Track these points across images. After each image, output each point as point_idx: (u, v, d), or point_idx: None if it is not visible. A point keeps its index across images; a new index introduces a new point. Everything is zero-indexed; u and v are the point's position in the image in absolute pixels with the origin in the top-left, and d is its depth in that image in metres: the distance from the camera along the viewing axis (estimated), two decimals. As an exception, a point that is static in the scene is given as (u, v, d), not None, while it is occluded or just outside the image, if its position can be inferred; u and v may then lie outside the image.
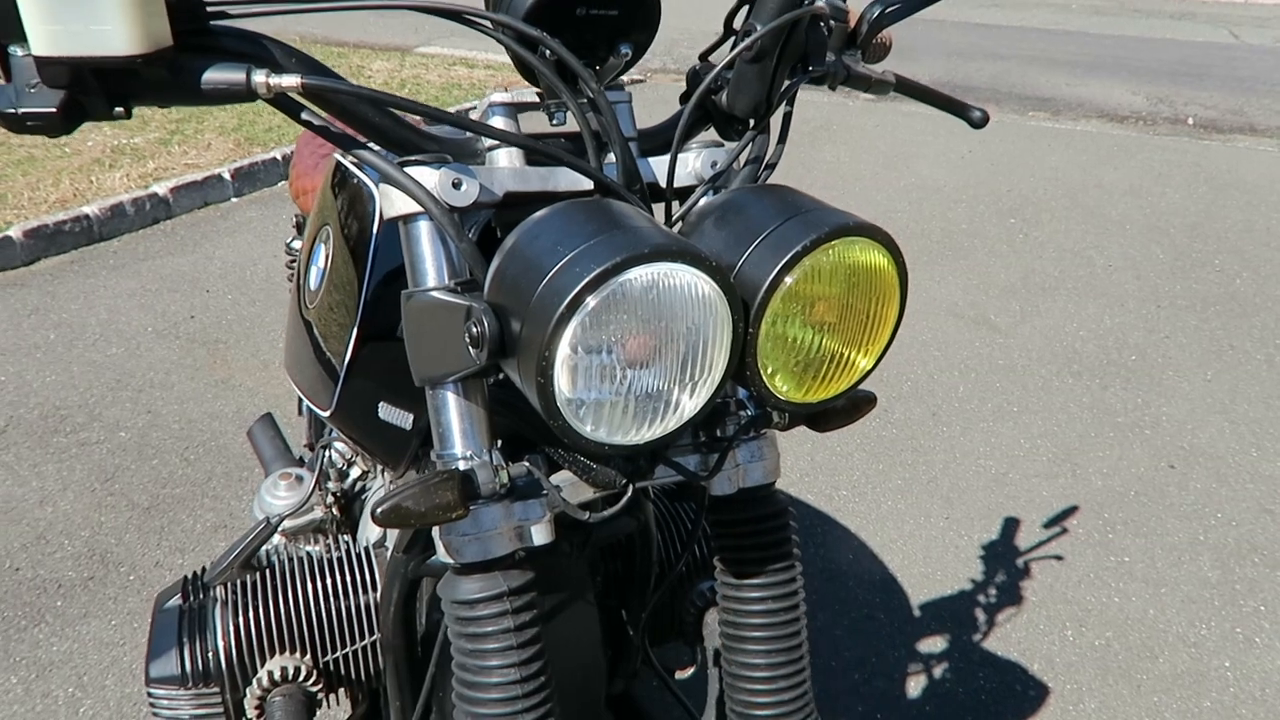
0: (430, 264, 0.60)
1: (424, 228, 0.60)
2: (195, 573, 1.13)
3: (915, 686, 1.83)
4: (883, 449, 2.58)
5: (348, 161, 0.94)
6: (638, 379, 0.53)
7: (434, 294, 0.59)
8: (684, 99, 0.74)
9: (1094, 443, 2.64)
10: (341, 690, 1.13)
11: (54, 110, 0.50)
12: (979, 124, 0.91)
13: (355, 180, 0.90)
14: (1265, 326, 3.35)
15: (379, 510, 0.55)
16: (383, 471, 1.21)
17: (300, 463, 1.53)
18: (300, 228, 1.63)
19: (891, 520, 2.29)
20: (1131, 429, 2.71)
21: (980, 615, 2.02)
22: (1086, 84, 7.21)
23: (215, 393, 2.72)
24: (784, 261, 0.53)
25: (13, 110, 0.49)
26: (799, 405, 0.61)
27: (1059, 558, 2.18)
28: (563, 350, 0.49)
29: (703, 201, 0.65)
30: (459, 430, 0.61)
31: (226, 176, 4.14)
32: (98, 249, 3.63)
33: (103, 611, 1.95)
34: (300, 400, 1.71)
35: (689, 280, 0.51)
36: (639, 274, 0.49)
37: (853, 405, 0.73)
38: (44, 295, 3.23)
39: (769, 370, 0.58)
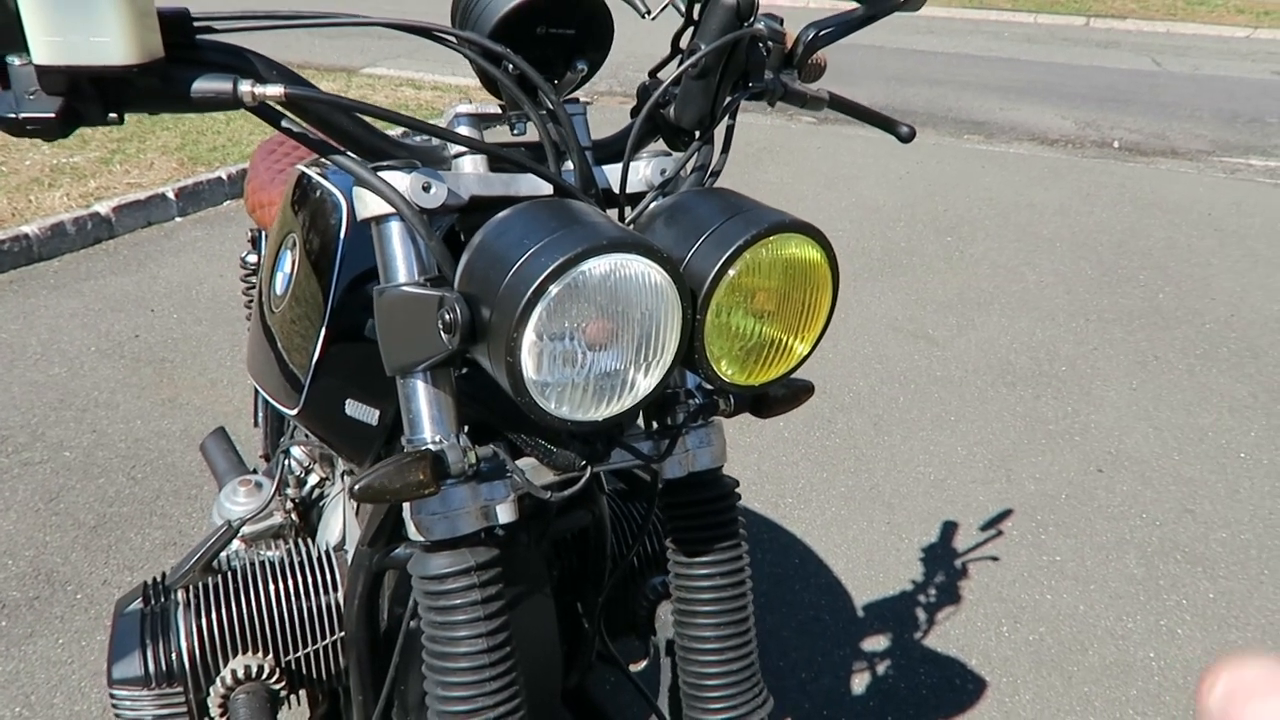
0: (401, 261, 0.65)
1: (395, 228, 0.65)
2: (155, 578, 1.15)
3: (860, 684, 1.89)
4: (827, 458, 2.65)
5: (312, 172, 0.98)
6: (597, 360, 0.58)
7: (405, 288, 0.64)
8: (634, 112, 0.79)
9: (1027, 449, 2.75)
10: (302, 691, 1.16)
11: (53, 115, 0.53)
12: (906, 139, 0.98)
13: (318, 190, 0.94)
14: (1186, 338, 3.51)
15: (357, 487, 0.59)
16: (343, 476, 1.24)
17: (254, 473, 1.54)
18: (255, 242, 1.66)
19: (836, 526, 2.36)
20: (1062, 436, 2.83)
21: (921, 614, 2.10)
22: (1019, 108, 7.47)
23: (162, 411, 2.71)
24: (727, 255, 0.59)
25: (13, 115, 0.53)
26: (743, 387, 0.66)
27: (995, 558, 2.27)
28: (528, 335, 0.54)
29: (654, 204, 0.70)
30: (428, 416, 0.66)
31: (170, 196, 4.11)
32: (37, 269, 3.57)
33: (49, 630, 1.93)
34: (256, 412, 1.73)
35: (642, 270, 0.56)
36: (597, 264, 0.54)
37: (792, 394, 0.79)
38: (-18, 315, 3.18)
39: (716, 356, 0.64)
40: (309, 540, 1.28)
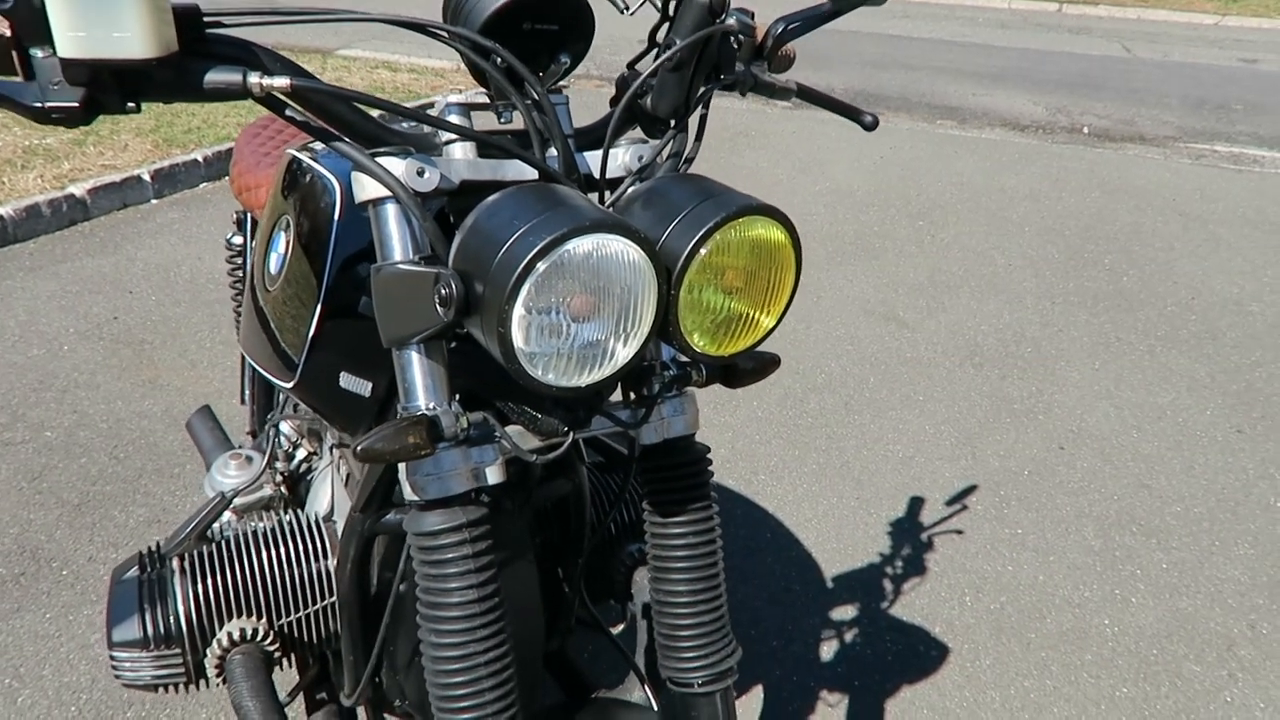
0: (397, 241, 0.70)
1: (391, 210, 0.70)
2: (150, 548, 1.19)
3: (829, 651, 1.97)
4: (799, 436, 2.73)
5: (303, 157, 1.02)
6: (580, 332, 0.64)
7: (402, 266, 0.69)
8: (614, 102, 0.85)
9: (992, 428, 2.83)
10: (294, 655, 1.21)
11: (76, 105, 0.58)
12: (870, 127, 1.03)
13: (311, 175, 0.98)
14: (1149, 320, 3.61)
15: (359, 448, 0.64)
16: (331, 449, 1.28)
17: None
18: (240, 224, 1.69)
19: (807, 501, 2.43)
20: (1026, 415, 2.92)
21: (888, 585, 2.18)
22: (991, 94, 7.56)
23: (143, 392, 2.73)
24: (699, 235, 0.65)
25: (39, 105, 0.58)
26: (713, 358, 0.72)
27: (959, 532, 2.35)
28: (518, 308, 0.59)
29: (632, 188, 0.76)
30: (422, 385, 0.71)
31: (146, 178, 4.10)
32: (12, 250, 3.57)
33: (36, 605, 1.96)
34: (243, 390, 1.77)
35: (621, 249, 0.62)
36: (580, 243, 0.59)
37: (760, 365, 0.84)
38: (-42, 296, 3.18)
39: (689, 329, 0.69)
40: (298, 511, 1.33)
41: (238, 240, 1.70)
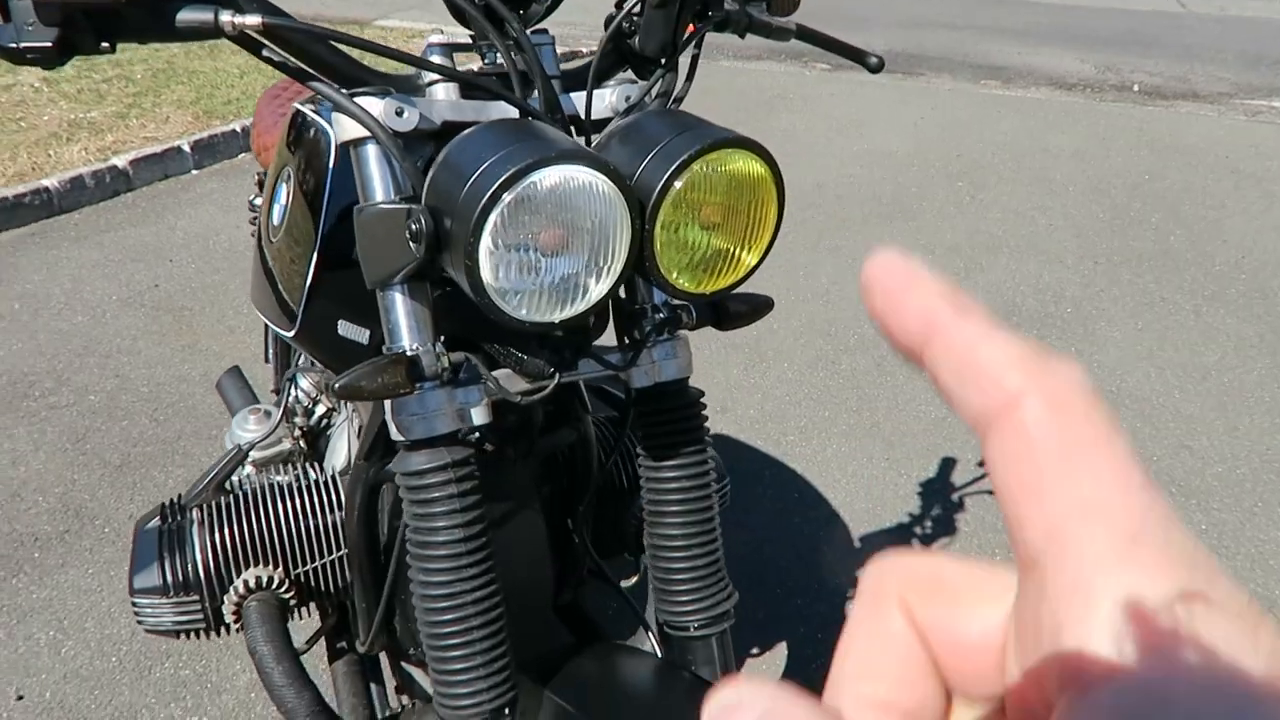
0: (378, 182, 0.70)
1: (372, 151, 0.70)
2: (172, 500, 1.22)
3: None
4: (829, 397, 2.70)
5: (307, 109, 1.03)
6: (552, 266, 0.63)
7: (381, 205, 0.69)
8: (602, 43, 0.84)
9: (1028, 389, 2.78)
10: (312, 604, 1.23)
11: (50, 45, 0.59)
12: (875, 69, 1.01)
13: (311, 124, 0.99)
14: (1195, 280, 3.51)
15: (337, 385, 0.65)
16: (347, 405, 1.30)
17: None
18: (262, 184, 1.71)
19: (836, 462, 2.42)
20: (1064, 376, 2.86)
21: (916, 545, 2.16)
22: (1037, 52, 7.36)
23: (182, 357, 2.79)
24: (673, 168, 0.64)
25: (14, 45, 0.58)
26: (695, 295, 0.71)
27: (990, 493, 2.31)
28: (485, 242, 0.59)
29: (612, 124, 0.75)
30: (405, 325, 0.71)
31: (186, 149, 4.16)
32: (58, 221, 3.65)
33: (79, 561, 2.03)
34: (266, 348, 1.79)
35: (589, 180, 0.61)
36: (547, 174, 0.59)
37: (752, 308, 0.83)
38: (6, 267, 3.26)
39: (668, 267, 0.69)
40: (316, 465, 1.35)
41: (259, 201, 1.72)
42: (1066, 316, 3.22)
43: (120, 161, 3.91)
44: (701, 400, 0.86)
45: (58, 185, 3.67)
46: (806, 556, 2.09)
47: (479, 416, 0.73)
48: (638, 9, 0.78)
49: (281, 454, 1.37)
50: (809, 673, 1.83)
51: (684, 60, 0.83)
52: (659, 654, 1.12)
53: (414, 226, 0.62)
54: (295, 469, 1.38)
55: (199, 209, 3.81)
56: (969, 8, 9.23)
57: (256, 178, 1.72)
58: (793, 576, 2.03)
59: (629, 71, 0.85)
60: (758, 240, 0.71)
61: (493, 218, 0.58)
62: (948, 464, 2.42)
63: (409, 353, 0.70)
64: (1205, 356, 2.98)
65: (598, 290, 0.66)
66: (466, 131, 0.65)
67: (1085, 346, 3.02)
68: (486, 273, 0.60)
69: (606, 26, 0.81)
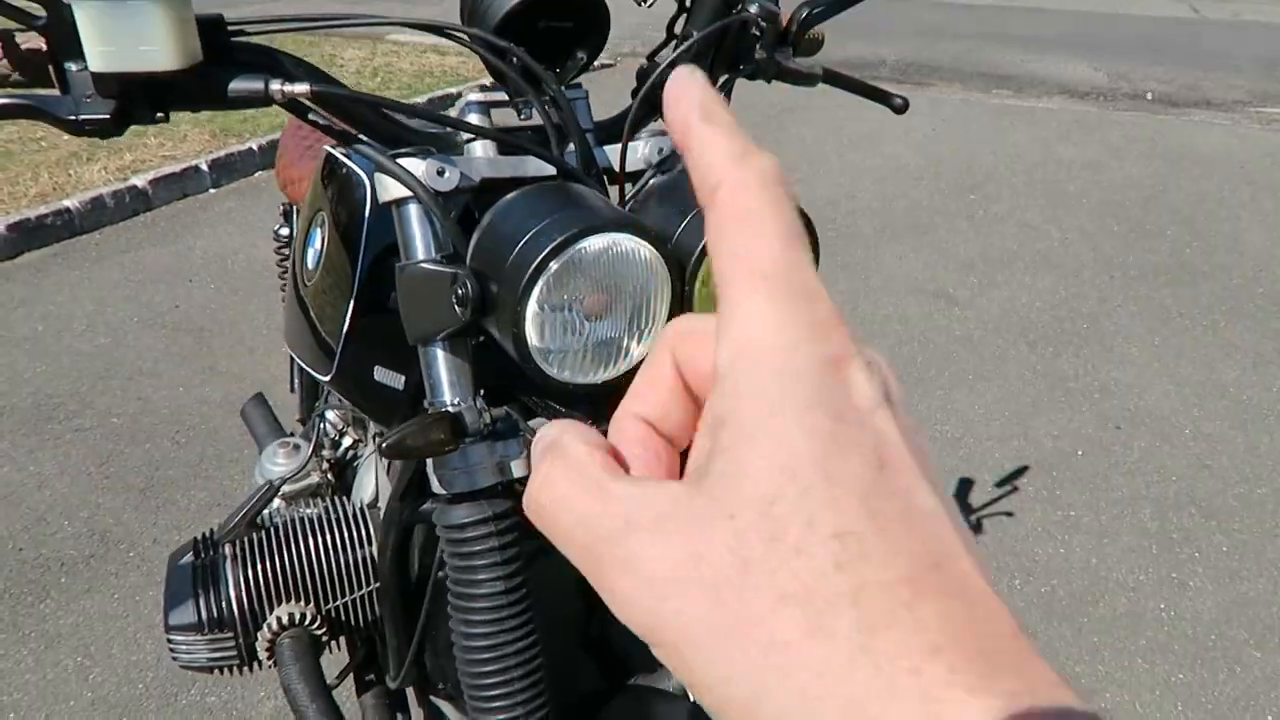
0: (419, 240, 0.71)
1: (414, 210, 0.71)
2: (204, 534, 1.24)
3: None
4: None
5: (338, 153, 1.04)
6: (595, 329, 0.64)
7: (423, 265, 0.70)
8: (634, 94, 0.85)
9: (1045, 407, 2.78)
10: (342, 639, 1.24)
11: (108, 117, 0.60)
12: (900, 110, 1.02)
13: (345, 170, 1.00)
14: (1212, 294, 3.50)
15: (385, 444, 0.66)
16: (374, 438, 1.31)
17: (292, 436, 1.63)
18: (287, 215, 1.73)
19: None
20: (1081, 393, 2.86)
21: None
22: (1048, 61, 7.36)
23: (203, 379, 2.81)
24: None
25: (74, 117, 0.60)
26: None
27: (1009, 514, 2.32)
28: (531, 307, 0.60)
29: (651, 182, 0.76)
30: (447, 381, 0.72)
31: (204, 168, 4.20)
32: (79, 242, 3.69)
33: (105, 587, 2.04)
34: (292, 378, 1.81)
35: (633, 247, 0.62)
36: (593, 242, 0.60)
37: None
38: (29, 288, 3.30)
39: (704, 321, 0.69)
40: (344, 498, 1.36)
41: (285, 232, 1.73)
42: (1083, 333, 3.21)
43: (140, 181, 3.95)
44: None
45: (78, 205, 3.71)
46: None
47: (519, 469, 0.74)
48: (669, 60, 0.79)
49: (310, 487, 1.38)
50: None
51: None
52: (689, 694, 1.13)
53: (460, 291, 0.64)
54: (324, 502, 1.39)
55: (217, 229, 3.84)
56: (978, 16, 9.24)
57: (281, 208, 1.73)
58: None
59: (659, 122, 0.86)
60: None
61: (540, 284, 0.59)
62: (965, 484, 2.42)
63: (450, 408, 0.71)
64: (1224, 373, 2.97)
65: (639, 351, 0.67)
66: (510, 196, 0.66)
67: (1103, 364, 3.02)
68: (532, 336, 0.61)
69: (639, 79, 0.83)
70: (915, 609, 0.20)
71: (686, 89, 0.26)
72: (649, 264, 0.63)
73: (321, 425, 1.38)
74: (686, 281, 0.66)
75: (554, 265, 0.59)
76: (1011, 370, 2.97)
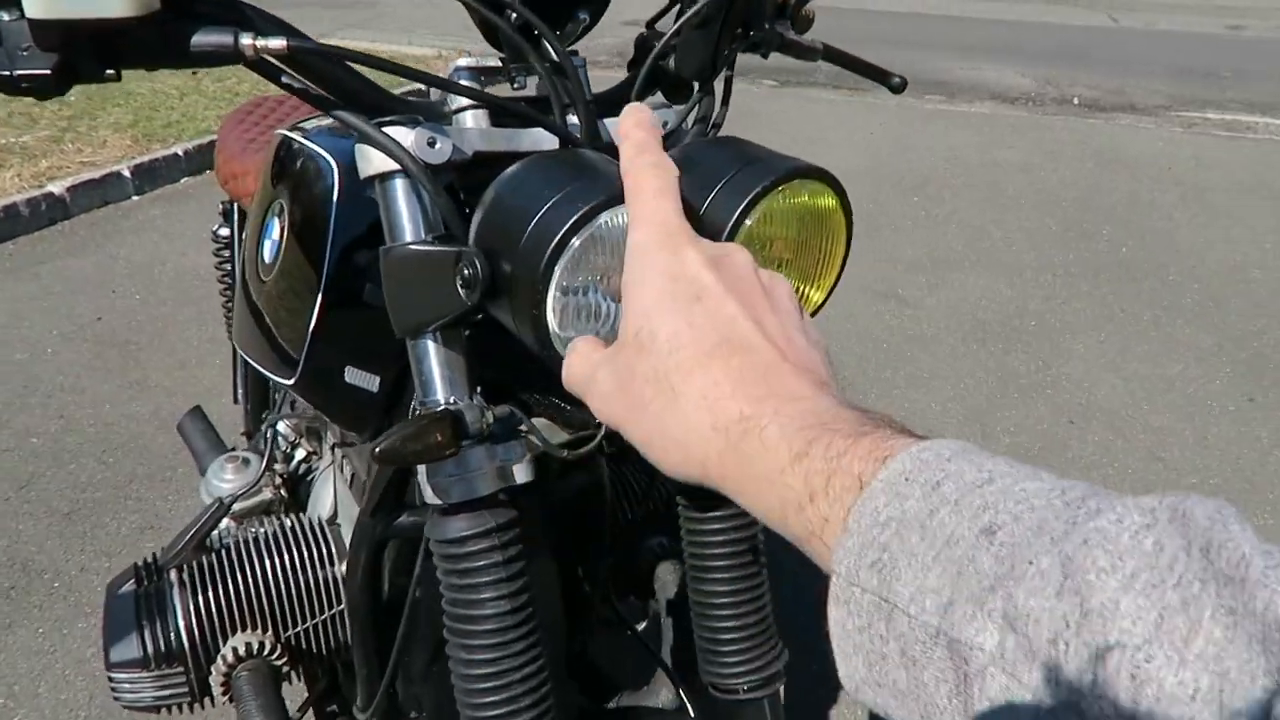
0: (407, 219, 0.63)
1: (400, 185, 0.63)
2: (146, 560, 1.13)
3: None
4: (805, 419, 2.67)
5: (295, 136, 0.96)
6: (619, 313, 0.57)
7: (415, 247, 0.62)
8: (632, 64, 0.78)
9: (1000, 403, 2.79)
10: (300, 668, 1.15)
11: (48, 72, 0.51)
12: (898, 89, 0.97)
13: (305, 153, 0.91)
14: (1151, 290, 3.57)
15: (379, 450, 0.58)
16: (333, 449, 1.22)
17: (236, 450, 1.52)
18: (227, 214, 1.62)
19: (818, 485, 2.38)
20: (1034, 389, 2.87)
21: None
22: (979, 67, 7.50)
23: (130, 394, 2.65)
24: (744, 203, 0.58)
25: (7, 73, 0.51)
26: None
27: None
28: (553, 288, 0.53)
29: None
30: (440, 377, 0.64)
31: (126, 174, 4.00)
32: (-9, 252, 3.48)
33: (28, 620, 1.89)
34: (235, 388, 1.69)
35: None
36: (618, 212, 0.53)
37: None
38: (-64, 302, 3.09)
39: (733, 306, 0.63)
40: (299, 515, 1.26)
41: (224, 232, 1.62)
42: (1031, 330, 3.24)
43: (56, 188, 3.74)
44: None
45: (-11, 215, 3.50)
46: (799, 596, 2.04)
47: (521, 474, 0.66)
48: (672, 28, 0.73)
49: (262, 504, 1.28)
50: (806, 707, 1.78)
51: (717, 82, 0.78)
52: (688, 709, 1.06)
53: (466, 272, 0.56)
54: (278, 520, 1.29)
55: (141, 237, 3.66)
56: (907, 24, 9.41)
57: (221, 207, 1.62)
58: (783, 616, 1.98)
59: (658, 95, 0.80)
60: (825, 276, 0.66)
61: (562, 261, 0.52)
62: (929, 483, 2.40)
63: (449, 407, 0.63)
64: (1168, 368, 3.02)
65: None
66: (517, 167, 0.59)
67: (1053, 360, 3.04)
68: (552, 321, 0.54)
69: (637, 47, 0.76)
70: (708, 366, 0.39)
71: (627, 116, 0.51)
72: None
73: (273, 437, 1.28)
74: (718, 258, 0.60)
75: (575, 242, 0.52)
76: (965, 368, 2.97)
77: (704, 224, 0.59)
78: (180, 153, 4.26)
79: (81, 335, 2.93)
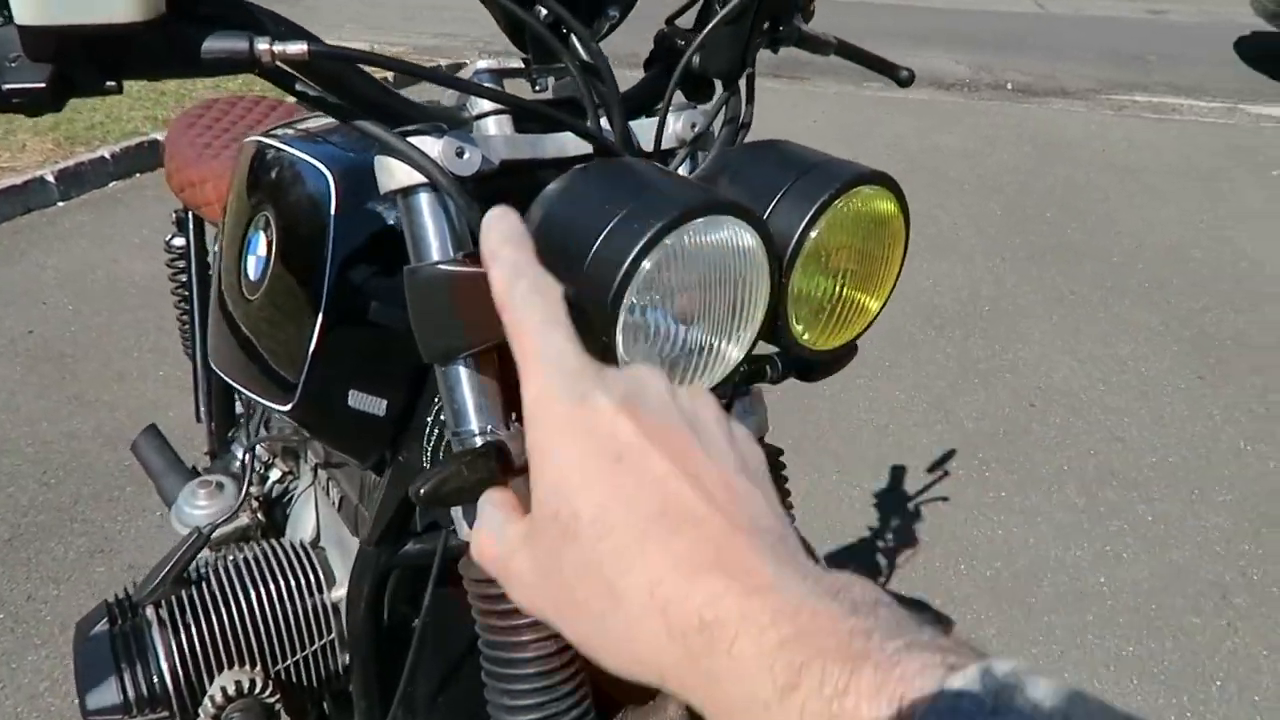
0: (434, 236, 0.58)
1: (425, 199, 0.58)
2: (118, 596, 1.06)
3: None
4: (771, 412, 2.65)
5: (273, 143, 0.89)
6: (689, 334, 0.53)
7: (445, 267, 0.57)
8: (648, 64, 0.74)
9: (961, 389, 2.81)
10: (289, 703, 1.09)
11: (42, 86, 0.45)
12: (905, 83, 0.95)
13: (292, 164, 0.85)
14: (1097, 272, 3.64)
15: (423, 491, 0.53)
16: (314, 470, 1.16)
17: (195, 472, 1.44)
18: (181, 223, 1.52)
19: (789, 477, 2.36)
20: (993, 374, 2.90)
21: (881, 560, 2.13)
22: (913, 54, 7.57)
23: (69, 410, 2.52)
24: (811, 212, 0.55)
25: (-4, 87, 0.45)
26: (819, 352, 0.62)
27: (944, 499, 2.31)
28: (622, 313, 0.49)
29: (708, 161, 0.65)
30: (474, 405, 0.60)
31: (50, 179, 3.81)
32: (-94, 264, 3.28)
33: (-27, 656, 1.78)
34: (198, 407, 1.61)
35: (733, 231, 0.52)
36: (694, 229, 0.49)
37: (836, 356, 0.75)
38: None
39: (795, 322, 0.60)
40: (279, 540, 1.20)
41: (179, 242, 1.53)
42: (986, 315, 3.27)
43: (-26, 195, 3.54)
44: (780, 459, 0.77)
45: (-97, 224, 3.30)
46: (777, 580, 2.03)
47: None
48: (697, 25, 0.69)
49: (239, 530, 1.21)
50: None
51: (741, 80, 0.75)
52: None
53: None
54: (257, 546, 1.22)
55: (70, 244, 3.49)
56: (837, 12, 9.46)
57: (175, 215, 1.53)
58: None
59: (679, 94, 0.76)
60: (883, 284, 0.63)
61: (635, 282, 0.47)
62: (899, 472, 2.41)
63: (480, 438, 0.58)
64: (1119, 348, 3.08)
65: (735, 354, 0.56)
66: (565, 180, 0.54)
67: (1009, 344, 3.08)
68: (622, 348, 0.50)
69: (658, 44, 0.72)
70: (646, 552, 0.32)
71: (489, 231, 0.41)
72: (750, 253, 0.53)
73: (252, 460, 1.21)
74: (784, 273, 0.56)
75: (648, 263, 0.48)
76: (924, 355, 2.99)
77: (771, 238, 0.55)
78: (107, 155, 4.07)
79: (13, 350, 2.78)
